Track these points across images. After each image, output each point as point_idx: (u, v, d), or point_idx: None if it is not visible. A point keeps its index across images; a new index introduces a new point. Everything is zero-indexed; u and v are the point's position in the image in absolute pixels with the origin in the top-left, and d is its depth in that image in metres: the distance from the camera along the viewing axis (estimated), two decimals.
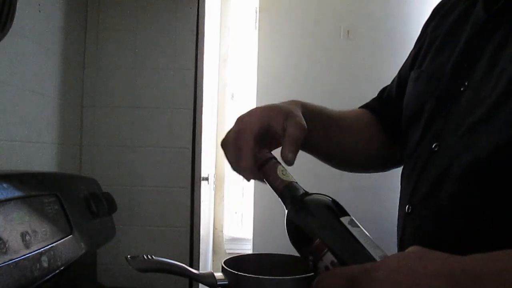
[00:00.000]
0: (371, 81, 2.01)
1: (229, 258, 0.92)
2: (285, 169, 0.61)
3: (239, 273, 0.83)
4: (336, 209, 0.57)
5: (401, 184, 0.71)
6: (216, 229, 2.37)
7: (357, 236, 0.54)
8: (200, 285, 1.27)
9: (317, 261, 0.54)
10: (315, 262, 0.55)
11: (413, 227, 0.64)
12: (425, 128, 0.66)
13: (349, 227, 0.55)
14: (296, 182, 0.60)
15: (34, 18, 1.22)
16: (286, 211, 0.60)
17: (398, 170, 0.79)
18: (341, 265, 0.52)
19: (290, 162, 0.61)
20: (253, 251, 1.93)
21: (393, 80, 0.93)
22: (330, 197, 0.58)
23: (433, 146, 0.62)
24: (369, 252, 0.52)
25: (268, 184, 0.63)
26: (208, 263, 2.12)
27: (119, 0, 1.58)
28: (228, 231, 2.41)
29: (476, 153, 0.54)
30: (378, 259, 0.52)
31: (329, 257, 0.53)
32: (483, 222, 0.54)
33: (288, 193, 0.60)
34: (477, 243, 0.51)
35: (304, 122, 0.64)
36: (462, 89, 0.60)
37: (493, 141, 0.52)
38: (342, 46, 1.97)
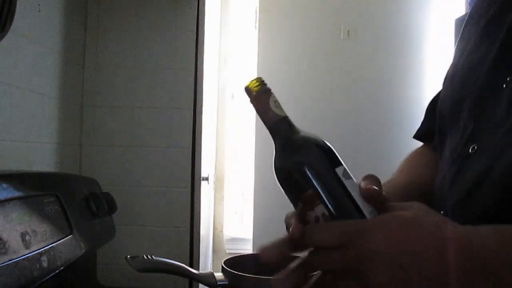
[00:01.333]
0: (371, 81, 2.02)
1: (229, 258, 0.92)
2: (279, 103, 0.56)
3: (239, 273, 0.83)
4: (331, 157, 0.52)
5: (434, 193, 0.66)
6: (216, 229, 2.37)
7: (350, 190, 0.50)
8: (200, 285, 1.27)
9: (307, 210, 0.51)
10: (304, 210, 0.51)
11: None
12: (463, 129, 0.60)
13: (343, 179, 0.51)
14: (289, 118, 0.55)
15: (34, 18, 1.22)
16: (276, 148, 0.55)
17: None
18: (332, 219, 0.49)
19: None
20: (253, 251, 1.93)
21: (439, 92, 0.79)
22: (324, 141, 0.53)
23: (470, 149, 0.57)
24: (361, 209, 0.49)
25: (259, 116, 0.56)
26: (208, 263, 2.12)
27: (119, 0, 1.58)
28: (228, 231, 2.41)
29: None
30: (368, 216, 0.49)
31: (320, 209, 0.50)
32: None
33: (281, 128, 0.55)
34: None
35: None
36: (504, 85, 0.55)
37: None
38: (342, 46, 1.97)
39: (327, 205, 0.50)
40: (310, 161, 0.51)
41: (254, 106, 0.57)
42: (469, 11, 0.72)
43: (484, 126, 0.57)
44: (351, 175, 0.52)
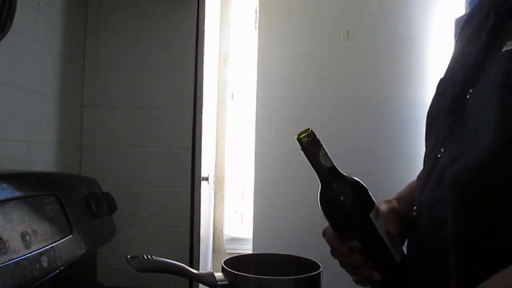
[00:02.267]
0: (371, 81, 2.02)
1: (229, 258, 0.92)
2: (327, 154, 0.66)
3: (239, 273, 0.83)
4: (366, 200, 0.65)
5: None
6: (216, 229, 2.37)
7: (379, 230, 0.63)
8: (200, 285, 1.27)
9: (346, 240, 0.65)
10: (342, 238, 0.65)
11: (419, 228, 0.66)
12: (437, 136, 0.67)
13: (374, 221, 0.63)
14: (334, 167, 0.66)
15: (34, 18, 1.22)
16: (322, 188, 0.66)
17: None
18: (363, 251, 0.63)
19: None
20: (253, 251, 1.93)
21: None
22: (363, 186, 0.66)
23: (438, 154, 0.64)
24: (391, 252, 0.63)
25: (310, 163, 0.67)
26: (208, 263, 2.12)
27: (119, 0, 1.58)
28: (228, 231, 2.41)
29: (468, 159, 0.56)
30: (397, 259, 0.63)
31: (355, 243, 0.64)
32: (479, 223, 0.55)
33: (327, 176, 0.66)
34: (475, 243, 0.55)
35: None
36: (468, 96, 0.61)
37: (480, 150, 0.54)
38: (342, 46, 1.97)
39: (360, 243, 0.64)
40: (347, 208, 0.64)
41: (305, 155, 0.67)
42: (468, 13, 0.76)
43: (452, 133, 0.63)
44: (381, 215, 0.63)
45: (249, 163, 2.15)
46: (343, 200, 0.64)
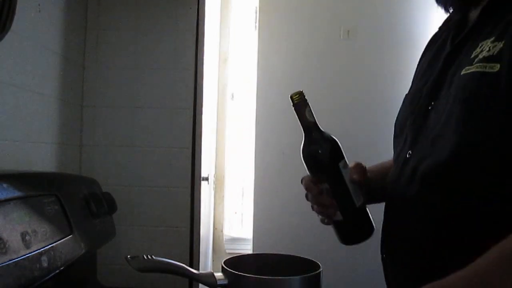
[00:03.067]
0: (371, 81, 2.02)
1: (229, 258, 0.92)
2: (311, 112, 0.82)
3: (239, 273, 0.83)
4: (337, 152, 0.81)
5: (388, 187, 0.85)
6: (216, 229, 2.37)
7: (345, 178, 0.80)
8: (200, 285, 1.27)
9: (318, 182, 0.82)
10: (315, 181, 0.82)
11: (391, 218, 0.80)
12: (405, 139, 0.80)
13: (342, 170, 0.80)
14: (316, 123, 0.82)
15: (34, 18, 1.22)
16: (304, 140, 0.83)
17: None
18: (331, 194, 0.80)
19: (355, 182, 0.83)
20: (253, 251, 1.93)
21: None
22: (336, 140, 0.82)
23: (407, 154, 0.77)
24: (352, 196, 0.80)
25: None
26: (208, 263, 2.12)
27: (119, 0, 1.58)
28: (228, 231, 2.41)
29: (434, 160, 0.69)
30: (357, 204, 0.81)
31: (325, 186, 0.81)
32: (442, 213, 0.68)
33: (309, 129, 0.82)
34: (438, 231, 0.68)
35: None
36: (429, 108, 0.75)
37: (444, 152, 0.66)
38: (342, 46, 1.97)
39: (329, 186, 0.81)
40: (321, 156, 0.82)
41: (295, 111, 0.82)
42: (432, 36, 0.91)
43: (418, 137, 0.76)
44: (348, 165, 0.82)
45: (249, 163, 2.15)
46: (319, 150, 0.81)
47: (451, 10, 0.81)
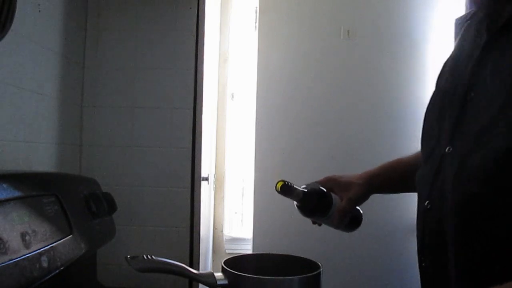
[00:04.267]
0: (371, 81, 2.02)
1: (229, 258, 0.92)
2: (295, 192, 0.94)
3: (239, 273, 0.83)
4: (325, 204, 0.95)
5: (417, 186, 0.81)
6: (216, 229, 2.37)
7: (334, 218, 0.96)
8: (200, 285, 1.27)
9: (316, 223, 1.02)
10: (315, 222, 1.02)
11: (433, 221, 0.73)
12: (439, 135, 0.75)
13: (331, 214, 0.95)
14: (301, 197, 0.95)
15: (34, 18, 1.22)
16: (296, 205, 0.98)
17: None
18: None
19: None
20: (253, 251, 1.93)
21: None
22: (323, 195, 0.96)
23: (446, 149, 0.71)
24: (344, 222, 0.97)
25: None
26: (208, 263, 2.12)
27: (119, 0, 1.58)
28: (228, 231, 2.41)
29: (484, 154, 0.63)
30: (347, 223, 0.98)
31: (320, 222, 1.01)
32: (494, 217, 0.61)
33: (300, 200, 0.96)
34: (489, 233, 0.61)
35: (355, 197, 0.97)
36: (467, 99, 0.69)
37: (497, 146, 0.61)
38: (342, 46, 1.97)
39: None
40: (312, 215, 0.98)
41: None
42: (463, 19, 0.84)
43: (458, 131, 0.70)
44: (335, 204, 0.95)
45: (249, 163, 2.15)
46: (308, 212, 0.97)
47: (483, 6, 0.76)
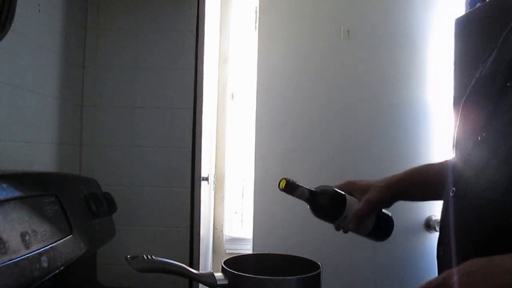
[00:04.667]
0: (371, 81, 2.02)
1: (229, 258, 0.92)
2: (300, 190, 0.93)
3: (239, 273, 0.83)
4: (340, 205, 0.92)
5: (448, 174, 0.79)
6: (216, 229, 2.37)
7: (350, 219, 0.92)
8: (200, 285, 1.27)
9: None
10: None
11: (457, 208, 0.72)
12: (476, 120, 0.73)
13: (347, 215, 0.91)
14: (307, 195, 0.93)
15: (34, 18, 1.22)
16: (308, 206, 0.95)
17: None
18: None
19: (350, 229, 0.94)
20: (253, 251, 1.93)
21: None
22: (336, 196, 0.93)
23: (479, 138, 0.69)
24: (362, 223, 0.93)
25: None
26: (208, 263, 2.12)
27: (119, 0, 1.58)
28: (228, 231, 2.41)
29: None
30: (370, 227, 0.93)
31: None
32: None
33: (308, 200, 0.94)
34: None
35: (374, 199, 0.92)
36: (509, 84, 0.67)
37: None
38: (342, 46, 1.97)
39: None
40: (327, 217, 0.94)
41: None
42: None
43: (490, 119, 0.68)
44: (352, 205, 0.92)
45: (249, 163, 2.15)
46: (322, 214, 0.93)
47: None
